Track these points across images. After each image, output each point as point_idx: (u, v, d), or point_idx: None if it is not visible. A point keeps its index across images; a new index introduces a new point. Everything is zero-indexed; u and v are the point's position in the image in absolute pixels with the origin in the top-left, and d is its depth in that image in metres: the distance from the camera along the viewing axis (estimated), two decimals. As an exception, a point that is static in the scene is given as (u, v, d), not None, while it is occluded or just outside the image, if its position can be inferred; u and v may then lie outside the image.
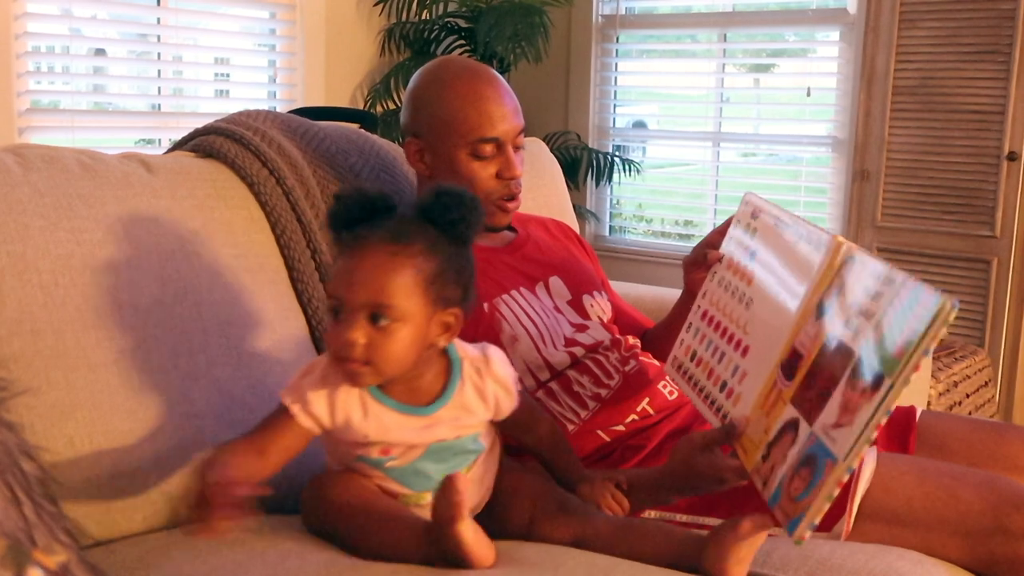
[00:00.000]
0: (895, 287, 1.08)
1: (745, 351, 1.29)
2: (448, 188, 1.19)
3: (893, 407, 1.05)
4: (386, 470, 1.23)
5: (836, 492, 1.08)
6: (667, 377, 1.59)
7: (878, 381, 1.06)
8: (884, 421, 1.05)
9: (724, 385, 1.30)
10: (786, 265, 1.27)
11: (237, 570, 1.14)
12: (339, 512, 1.21)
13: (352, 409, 1.20)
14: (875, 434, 1.06)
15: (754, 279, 1.34)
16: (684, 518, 1.44)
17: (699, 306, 1.45)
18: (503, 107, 1.62)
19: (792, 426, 1.15)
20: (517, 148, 1.65)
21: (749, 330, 1.30)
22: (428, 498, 1.17)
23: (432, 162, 1.66)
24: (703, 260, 1.47)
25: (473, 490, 1.27)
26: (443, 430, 1.22)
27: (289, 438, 1.18)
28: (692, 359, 1.41)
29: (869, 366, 1.08)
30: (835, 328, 1.14)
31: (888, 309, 1.08)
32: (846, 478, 1.08)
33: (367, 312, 1.11)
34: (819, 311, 1.18)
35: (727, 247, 1.44)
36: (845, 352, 1.11)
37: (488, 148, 1.62)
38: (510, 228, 1.79)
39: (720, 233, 1.49)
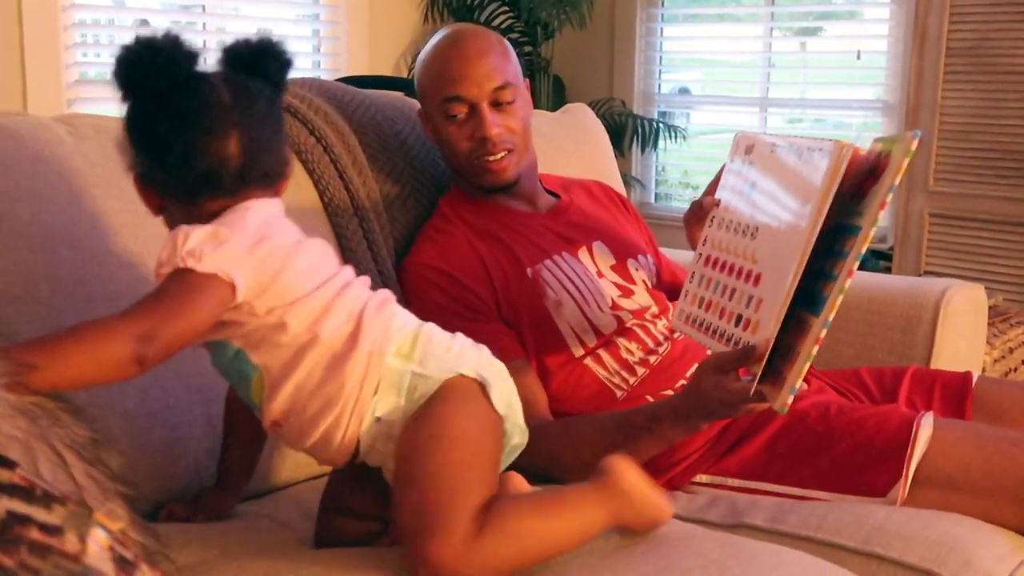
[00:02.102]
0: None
1: (757, 280, 1.27)
2: None
3: (863, 248, 1.09)
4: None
5: (814, 350, 1.10)
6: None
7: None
8: (855, 266, 1.09)
9: (739, 319, 1.28)
10: (791, 184, 1.26)
11: (298, 546, 1.16)
12: None
13: None
14: (847, 281, 1.09)
15: (757, 208, 1.32)
16: (736, 483, 1.43)
17: (700, 254, 1.43)
18: (467, 67, 1.62)
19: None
20: (498, 106, 1.63)
21: (758, 258, 1.28)
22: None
23: (430, 129, 1.70)
24: (699, 210, 1.46)
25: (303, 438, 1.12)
26: None
27: None
28: (700, 306, 1.39)
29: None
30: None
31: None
32: (823, 334, 1.09)
33: None
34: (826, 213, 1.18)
35: (723, 191, 1.42)
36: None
37: (458, 107, 1.62)
38: (552, 193, 1.78)
39: (715, 183, 1.47)
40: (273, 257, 1.06)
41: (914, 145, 1.08)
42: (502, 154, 1.63)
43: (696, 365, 1.36)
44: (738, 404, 1.26)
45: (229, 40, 1.13)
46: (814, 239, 1.16)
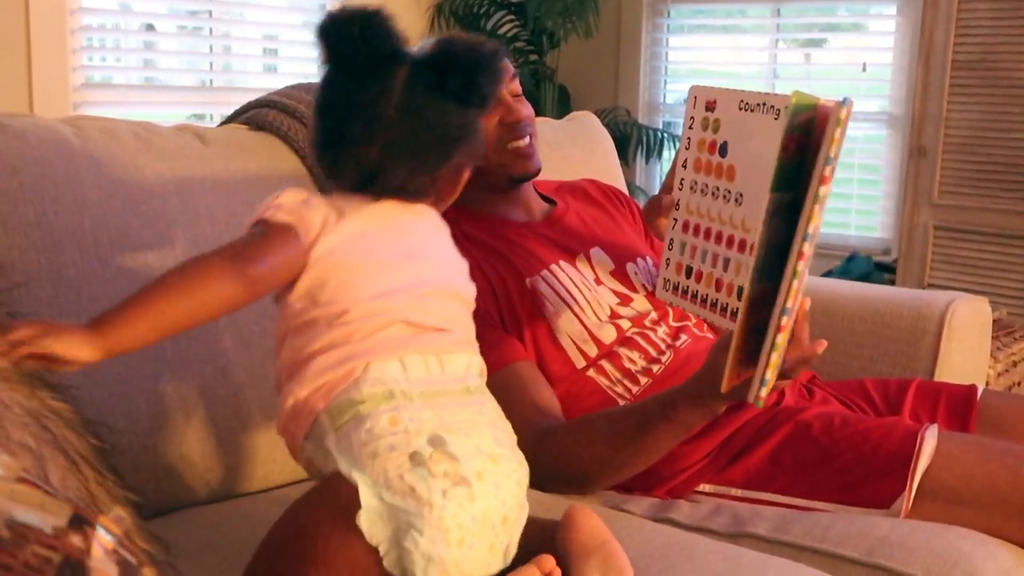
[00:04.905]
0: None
1: (752, 250, 1.23)
2: None
3: (807, 227, 1.03)
4: None
5: (779, 339, 1.05)
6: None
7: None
8: (806, 248, 1.03)
9: (741, 292, 1.26)
10: (773, 145, 1.18)
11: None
12: None
13: None
14: (800, 264, 1.04)
15: (737, 173, 1.27)
16: (739, 492, 1.43)
17: (676, 219, 1.38)
18: None
19: None
20: (515, 96, 1.65)
21: (750, 226, 1.23)
22: None
23: None
24: (658, 206, 1.45)
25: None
26: None
27: None
28: (688, 275, 1.35)
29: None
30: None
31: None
32: (783, 321, 1.05)
33: None
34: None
35: (687, 153, 1.37)
36: None
37: None
38: (548, 200, 1.77)
39: (673, 173, 1.43)
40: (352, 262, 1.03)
41: (843, 113, 1.02)
42: (528, 138, 1.64)
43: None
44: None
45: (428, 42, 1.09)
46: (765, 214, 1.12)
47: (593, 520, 1.02)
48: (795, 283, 1.04)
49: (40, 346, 0.86)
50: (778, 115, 1.15)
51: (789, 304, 1.04)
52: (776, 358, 1.08)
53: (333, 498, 0.95)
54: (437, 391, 1.00)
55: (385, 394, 0.97)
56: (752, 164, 1.25)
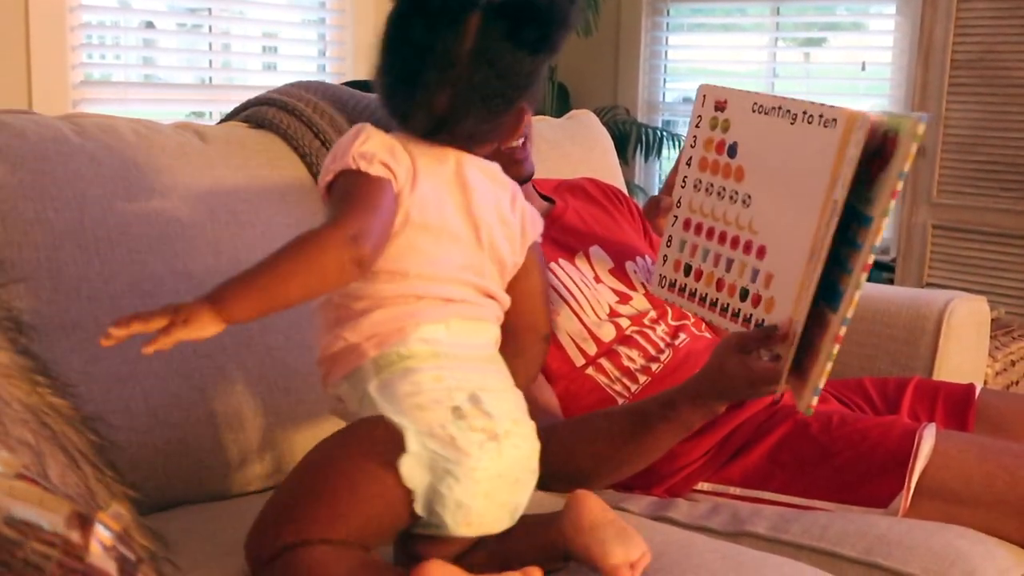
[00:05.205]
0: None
1: (761, 252, 1.23)
2: None
3: (876, 240, 1.05)
4: None
5: (835, 350, 1.07)
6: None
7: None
8: (870, 260, 1.05)
9: (746, 293, 1.25)
10: (789, 154, 1.20)
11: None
12: None
13: None
14: (863, 276, 1.05)
15: (746, 174, 1.27)
16: (737, 491, 1.43)
17: (676, 216, 1.38)
18: None
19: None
20: None
21: (758, 228, 1.24)
22: None
23: None
24: (657, 207, 1.44)
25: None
26: None
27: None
28: (687, 273, 1.36)
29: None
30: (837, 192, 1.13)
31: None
32: (842, 331, 1.06)
33: None
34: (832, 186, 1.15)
35: (692, 150, 1.38)
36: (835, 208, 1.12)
37: None
38: (547, 199, 1.77)
39: (674, 176, 1.43)
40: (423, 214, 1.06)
41: (920, 129, 1.03)
42: (523, 140, 1.63)
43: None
44: (763, 385, 1.24)
45: None
46: (829, 221, 1.12)
47: (600, 502, 1.06)
48: (857, 294, 1.06)
49: (179, 334, 0.90)
50: (827, 125, 1.16)
51: (849, 315, 1.05)
52: (830, 366, 1.09)
53: (370, 438, 1.00)
54: (473, 356, 1.07)
55: (431, 353, 1.04)
56: (769, 168, 1.24)
